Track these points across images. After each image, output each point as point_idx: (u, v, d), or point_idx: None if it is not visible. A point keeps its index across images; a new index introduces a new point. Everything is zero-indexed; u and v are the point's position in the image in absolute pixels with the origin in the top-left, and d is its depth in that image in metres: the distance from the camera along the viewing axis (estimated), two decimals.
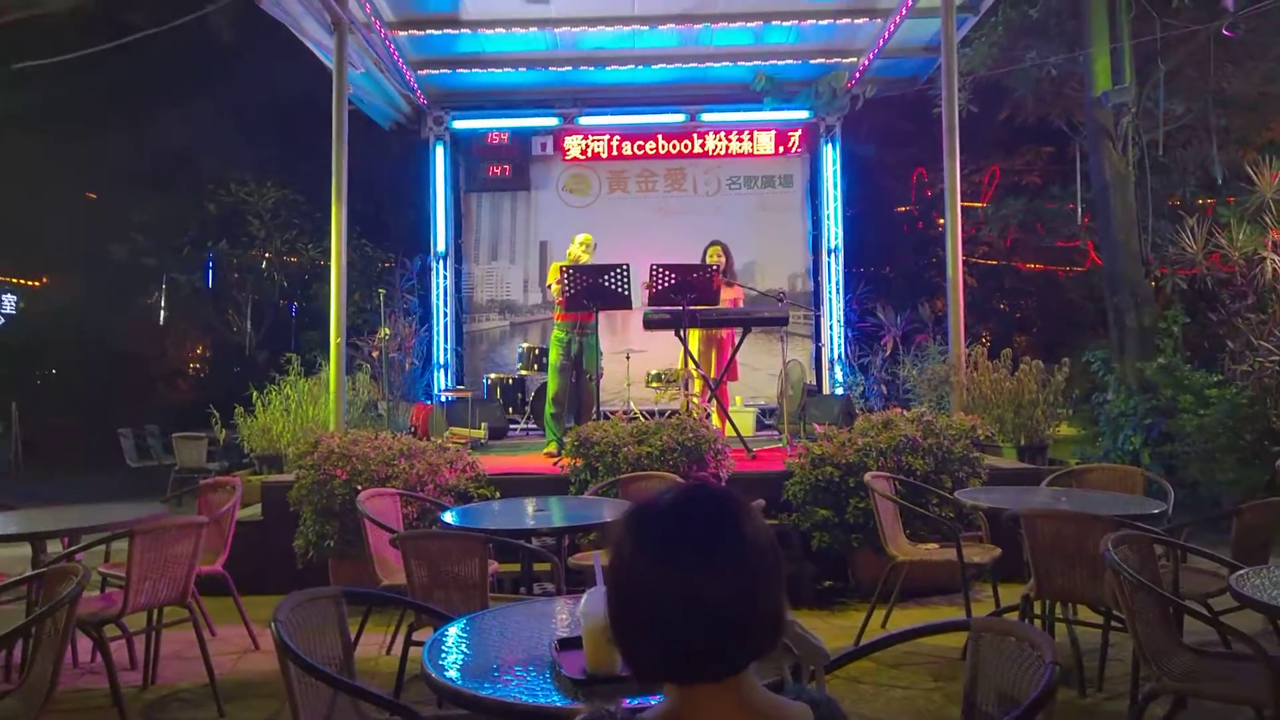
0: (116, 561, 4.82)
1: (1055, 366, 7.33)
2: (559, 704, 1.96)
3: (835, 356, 11.82)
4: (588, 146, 12.06)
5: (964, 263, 8.00)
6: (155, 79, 16.10)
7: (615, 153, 12.06)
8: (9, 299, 18.95)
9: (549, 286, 8.17)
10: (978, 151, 15.55)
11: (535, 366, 9.85)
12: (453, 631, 2.45)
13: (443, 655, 2.26)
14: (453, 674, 2.13)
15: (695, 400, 7.52)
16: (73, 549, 4.32)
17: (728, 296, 8.30)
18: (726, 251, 8.50)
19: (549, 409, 8.11)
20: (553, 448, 7.79)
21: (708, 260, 8.33)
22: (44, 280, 20.95)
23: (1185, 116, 10.85)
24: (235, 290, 15.70)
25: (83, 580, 2.93)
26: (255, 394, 7.74)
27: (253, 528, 6.22)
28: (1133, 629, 3.06)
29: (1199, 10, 9.96)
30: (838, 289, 11.92)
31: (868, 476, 5.15)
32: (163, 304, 19.56)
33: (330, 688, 2.32)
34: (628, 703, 1.94)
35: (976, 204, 15.68)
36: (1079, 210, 12.59)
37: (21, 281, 20.01)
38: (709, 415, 7.19)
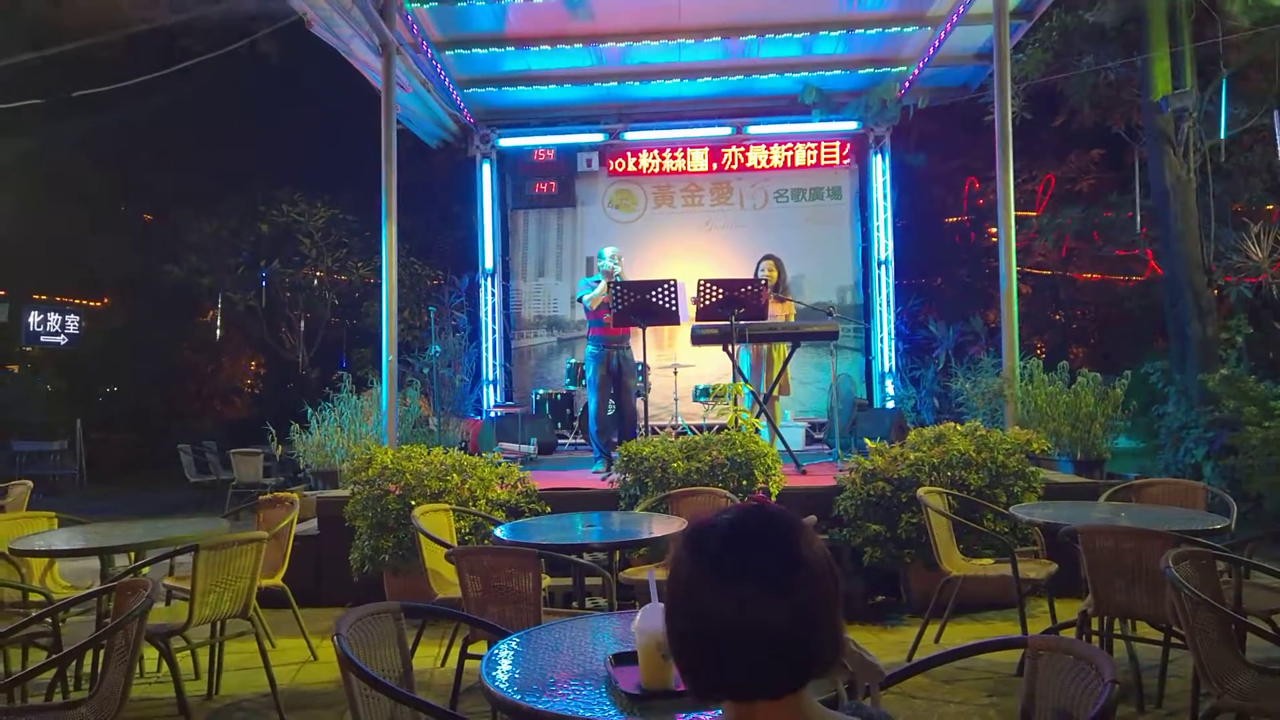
0: (181, 575, 4.94)
1: (1115, 380, 7.20)
2: (615, 718, 1.99)
3: (886, 370, 11.71)
4: (633, 161, 12.10)
5: (1018, 273, 7.90)
6: (208, 102, 16.52)
7: (661, 168, 12.07)
8: (72, 319, 19.49)
9: (580, 300, 8.16)
10: (1031, 158, 15.30)
11: (583, 382, 9.89)
12: (509, 646, 2.49)
13: (500, 668, 2.30)
14: (509, 687, 2.17)
15: (745, 414, 7.50)
16: (140, 564, 4.45)
17: (780, 312, 8.27)
18: (779, 265, 8.49)
19: (593, 424, 8.13)
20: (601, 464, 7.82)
21: (763, 274, 8.31)
22: (105, 300, 21.52)
23: (1249, 120, 10.62)
24: (288, 309, 16.00)
25: (152, 594, 3.01)
26: (310, 411, 7.86)
27: (309, 542, 6.34)
28: (1193, 646, 3.01)
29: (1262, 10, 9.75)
30: (888, 301, 11.81)
31: (921, 492, 5.11)
32: (218, 323, 19.98)
33: (390, 699, 2.37)
34: (683, 718, 1.96)
35: (1030, 213, 15.41)
36: (1138, 218, 12.33)
37: (84, 302, 20.55)
38: (758, 430, 7.17)
